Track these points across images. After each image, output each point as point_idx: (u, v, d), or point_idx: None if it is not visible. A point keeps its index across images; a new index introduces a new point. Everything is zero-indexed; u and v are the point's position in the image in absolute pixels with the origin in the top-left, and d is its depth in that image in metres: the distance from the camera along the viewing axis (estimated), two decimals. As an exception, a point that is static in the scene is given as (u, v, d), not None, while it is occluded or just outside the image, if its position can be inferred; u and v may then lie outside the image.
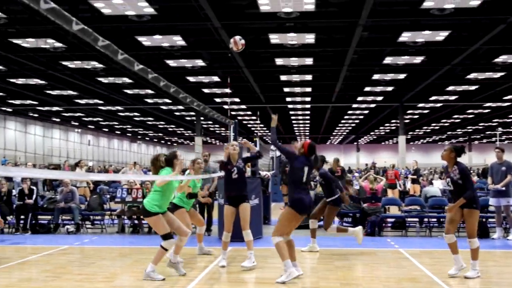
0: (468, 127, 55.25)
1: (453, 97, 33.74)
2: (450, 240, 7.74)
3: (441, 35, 19.04)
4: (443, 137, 67.06)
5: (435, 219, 13.70)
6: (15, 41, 19.75)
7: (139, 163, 30.19)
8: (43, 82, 28.27)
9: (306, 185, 7.70)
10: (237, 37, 9.14)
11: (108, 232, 13.49)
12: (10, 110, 40.14)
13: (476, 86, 29.50)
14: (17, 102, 36.26)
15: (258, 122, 44.80)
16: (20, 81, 28.31)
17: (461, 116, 45.01)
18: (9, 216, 13.48)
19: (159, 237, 7.74)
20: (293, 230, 7.89)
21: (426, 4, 15.72)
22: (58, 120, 48.52)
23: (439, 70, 24.35)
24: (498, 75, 26.11)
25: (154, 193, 7.73)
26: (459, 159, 7.83)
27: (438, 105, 37.31)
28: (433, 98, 34.09)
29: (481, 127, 54.80)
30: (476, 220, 7.81)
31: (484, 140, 70.89)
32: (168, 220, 7.75)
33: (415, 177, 21.00)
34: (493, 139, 61.07)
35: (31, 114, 43.78)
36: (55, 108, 39.51)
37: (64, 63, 23.50)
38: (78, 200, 13.87)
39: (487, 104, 36.11)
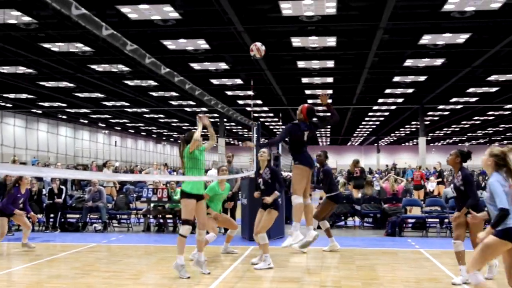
0: (489, 129, 54.53)
1: (473, 99, 33.34)
2: (457, 248, 7.33)
3: (462, 38, 18.82)
4: (463, 138, 66.27)
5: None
6: (45, 45, 19.98)
7: (162, 164, 30.29)
8: (71, 85, 28.58)
9: (306, 145, 8.37)
10: (258, 44, 9.07)
11: (134, 231, 13.60)
12: (40, 112, 40.68)
13: (497, 88, 29.09)
14: (47, 104, 36.72)
15: (280, 123, 44.74)
16: (50, 84, 28.65)
17: (482, 118, 44.44)
18: (39, 214, 13.66)
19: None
20: (308, 191, 8.39)
21: (447, 7, 15.55)
22: (86, 121, 49.04)
23: (460, 72, 24.06)
24: (519, 77, 25.76)
25: (186, 171, 7.96)
26: (464, 165, 7.52)
27: (459, 107, 36.88)
28: (453, 100, 33.70)
29: (501, 129, 54.05)
30: (479, 229, 7.31)
31: (505, 142, 69.84)
32: (198, 209, 7.88)
33: (440, 179, 20.83)
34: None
35: (60, 116, 44.31)
36: (83, 110, 39.93)
37: (92, 66, 23.73)
38: (106, 199, 14.01)
39: (508, 106, 35.59)
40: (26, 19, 16.58)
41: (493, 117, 43.57)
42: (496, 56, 20.85)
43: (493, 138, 63.85)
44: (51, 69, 23.68)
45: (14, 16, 16.43)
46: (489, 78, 26.26)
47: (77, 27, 16.00)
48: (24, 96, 32.83)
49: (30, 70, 24.78)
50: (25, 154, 35.66)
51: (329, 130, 57.85)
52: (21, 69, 24.65)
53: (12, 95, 32.64)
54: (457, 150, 7.62)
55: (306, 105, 8.29)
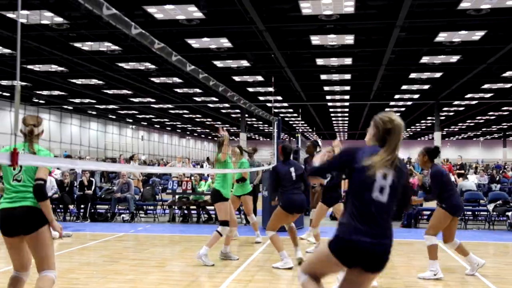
0: (503, 124, 53.72)
1: (488, 95, 32.88)
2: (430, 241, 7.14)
3: (477, 35, 18.55)
4: (478, 133, 65.42)
5: (470, 212, 13.45)
6: (76, 44, 20.17)
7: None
8: (101, 82, 28.84)
9: (296, 184, 7.58)
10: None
11: (160, 221, 13.71)
12: (71, 108, 41.14)
13: (512, 84, 28.72)
14: (77, 100, 37.12)
15: (300, 119, 44.65)
16: (80, 81, 28.94)
17: (496, 113, 43.81)
18: (71, 205, 13.84)
19: (209, 225, 7.84)
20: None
21: (463, 5, 15.33)
22: (114, 117, 49.46)
23: (475, 69, 23.72)
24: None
25: (218, 179, 8.10)
26: (435, 161, 7.16)
27: (474, 102, 36.38)
28: (468, 95, 33.26)
29: (516, 124, 53.28)
30: (436, 218, 7.02)
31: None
32: (230, 209, 8.13)
33: (462, 171, 20.63)
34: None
35: (90, 112, 44.74)
36: (111, 106, 40.27)
37: (120, 64, 23.89)
38: (134, 191, 14.14)
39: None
40: (59, 19, 16.75)
41: (507, 112, 42.94)
42: (511, 52, 20.51)
43: (507, 133, 62.93)
44: (82, 67, 23.91)
45: (47, 17, 16.62)
46: (504, 74, 25.85)
47: (106, 27, 16.15)
48: (56, 93, 33.23)
49: (62, 68, 25.05)
50: (59, 147, 36.12)
51: (346, 125, 57.57)
52: (54, 67, 24.94)
53: (45, 92, 33.06)
54: (422, 149, 7.12)
55: (280, 145, 8.01)
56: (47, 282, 4.37)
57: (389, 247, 3.44)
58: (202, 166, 28.73)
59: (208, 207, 13.28)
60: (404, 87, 30.32)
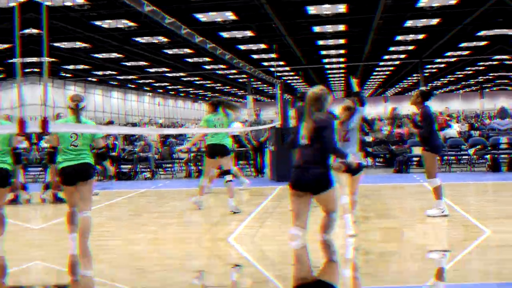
0: (480, 78, 53.04)
1: (465, 52, 32.40)
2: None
3: (454, -1, 18.14)
4: (458, 86, 64.80)
5: (453, 157, 13.42)
6: (97, 23, 19.90)
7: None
8: (120, 55, 28.55)
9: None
10: None
11: (177, 177, 13.69)
12: (95, 80, 40.90)
13: (486, 42, 28.16)
14: (100, 73, 36.87)
15: (300, 81, 44.28)
16: (102, 55, 28.63)
17: (473, 68, 43.23)
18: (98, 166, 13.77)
19: (221, 178, 7.77)
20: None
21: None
22: (133, 86, 49.16)
23: (453, 30, 23.34)
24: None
25: (225, 135, 8.17)
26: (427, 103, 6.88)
27: (453, 59, 35.93)
28: (448, 53, 32.80)
29: (491, 77, 52.51)
30: (428, 162, 6.86)
31: (495, 88, 68.07)
32: None
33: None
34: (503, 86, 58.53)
35: (111, 83, 44.49)
36: (130, 77, 40.02)
37: (136, 39, 23.61)
38: (154, 151, 14.03)
39: (496, 57, 34.43)
40: (80, 1, 16.49)
41: (483, 68, 42.40)
42: (484, 14, 20.07)
43: (484, 86, 62.31)
44: (102, 43, 23.65)
45: (69, -1, 16.33)
46: (478, 34, 25.40)
47: (123, 6, 15.82)
48: (81, 67, 32.99)
49: (85, 45, 24.76)
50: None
51: (342, 84, 57.00)
52: (78, 44, 24.66)
53: (71, 66, 32.82)
54: (418, 90, 7.04)
55: None
56: (87, 221, 5.38)
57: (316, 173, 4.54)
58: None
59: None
60: (391, 48, 29.96)
